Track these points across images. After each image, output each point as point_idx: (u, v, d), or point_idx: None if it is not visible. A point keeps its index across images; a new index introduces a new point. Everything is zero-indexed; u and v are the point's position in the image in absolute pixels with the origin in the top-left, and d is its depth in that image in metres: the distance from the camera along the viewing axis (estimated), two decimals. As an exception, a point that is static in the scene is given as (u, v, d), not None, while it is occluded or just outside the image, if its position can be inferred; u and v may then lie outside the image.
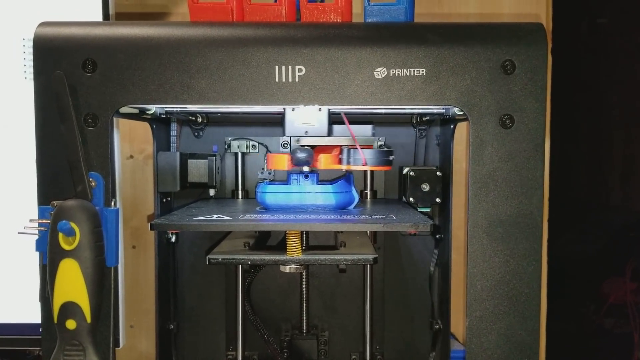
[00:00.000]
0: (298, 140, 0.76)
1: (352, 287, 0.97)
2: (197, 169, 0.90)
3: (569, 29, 1.16)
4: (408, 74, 0.62)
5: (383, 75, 0.62)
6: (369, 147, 0.79)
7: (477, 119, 0.61)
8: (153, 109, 0.78)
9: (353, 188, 0.80)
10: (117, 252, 0.65)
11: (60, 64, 0.63)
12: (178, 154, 0.88)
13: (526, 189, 0.61)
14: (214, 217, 0.70)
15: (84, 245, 0.60)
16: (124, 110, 0.75)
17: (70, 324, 0.61)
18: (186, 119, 0.93)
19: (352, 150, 0.78)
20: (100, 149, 0.64)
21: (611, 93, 1.21)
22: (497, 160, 0.61)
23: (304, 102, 0.64)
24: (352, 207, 0.80)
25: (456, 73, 0.62)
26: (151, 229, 0.68)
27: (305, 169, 0.76)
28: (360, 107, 0.68)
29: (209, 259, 0.74)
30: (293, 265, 0.75)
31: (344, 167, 0.78)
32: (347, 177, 0.80)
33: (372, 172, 0.94)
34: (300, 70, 0.63)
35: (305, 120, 0.75)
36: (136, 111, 0.78)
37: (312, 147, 0.78)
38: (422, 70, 0.62)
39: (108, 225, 0.64)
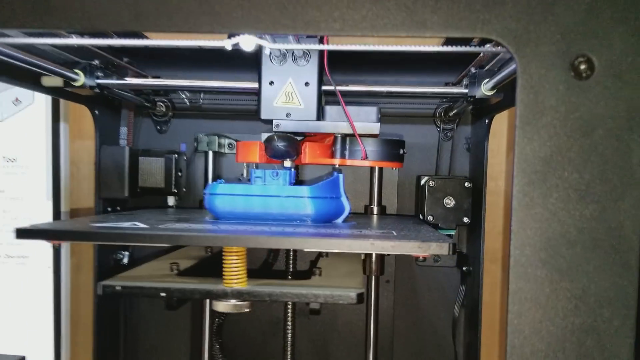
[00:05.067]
0: (277, 126, 0.56)
1: (351, 330, 0.75)
2: (151, 170, 0.70)
3: None
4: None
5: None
6: (374, 136, 0.61)
7: (530, 62, 0.37)
8: (80, 79, 0.58)
9: (342, 193, 0.57)
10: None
11: None
12: (127, 149, 0.68)
13: (612, 184, 0.37)
14: (126, 225, 0.49)
15: None
16: (47, 82, 0.57)
17: None
18: (141, 105, 0.73)
19: (349, 139, 0.60)
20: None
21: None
22: (563, 134, 0.37)
23: (254, 28, 0.40)
24: (340, 219, 0.57)
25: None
26: (17, 237, 0.46)
27: (287, 163, 0.56)
28: (348, 45, 0.45)
29: (102, 287, 0.51)
30: (233, 302, 0.51)
31: (336, 162, 0.58)
32: (334, 177, 0.58)
33: (379, 181, 0.72)
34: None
35: (287, 99, 0.55)
36: (59, 83, 0.58)
37: (297, 134, 0.58)
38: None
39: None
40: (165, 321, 0.77)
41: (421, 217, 0.69)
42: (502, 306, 0.72)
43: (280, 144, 0.54)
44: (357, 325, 0.75)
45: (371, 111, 0.59)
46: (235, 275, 0.49)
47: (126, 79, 0.61)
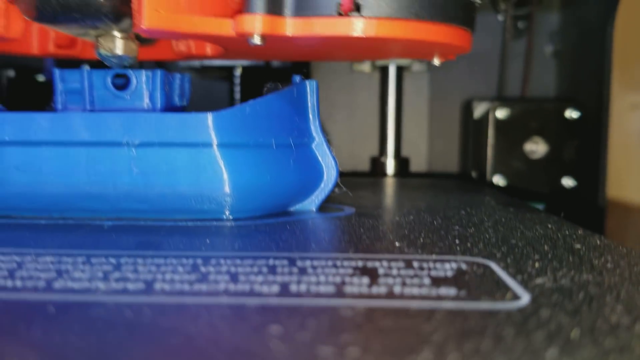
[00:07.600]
0: None
1: None
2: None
3: None
4: None
5: None
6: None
7: None
8: None
9: (319, 132, 0.21)
10: None
11: None
12: None
13: None
14: None
15: None
16: None
17: None
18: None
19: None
20: None
21: None
22: None
23: None
24: (315, 202, 0.22)
25: None
26: None
27: (119, 45, 0.18)
28: None
29: None
30: None
31: (254, 30, 0.18)
32: (294, 87, 0.21)
33: (397, 107, 0.39)
34: None
35: None
36: None
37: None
38: None
39: None
40: None
41: (475, 176, 0.37)
42: None
43: None
44: None
45: None
46: None
47: None
